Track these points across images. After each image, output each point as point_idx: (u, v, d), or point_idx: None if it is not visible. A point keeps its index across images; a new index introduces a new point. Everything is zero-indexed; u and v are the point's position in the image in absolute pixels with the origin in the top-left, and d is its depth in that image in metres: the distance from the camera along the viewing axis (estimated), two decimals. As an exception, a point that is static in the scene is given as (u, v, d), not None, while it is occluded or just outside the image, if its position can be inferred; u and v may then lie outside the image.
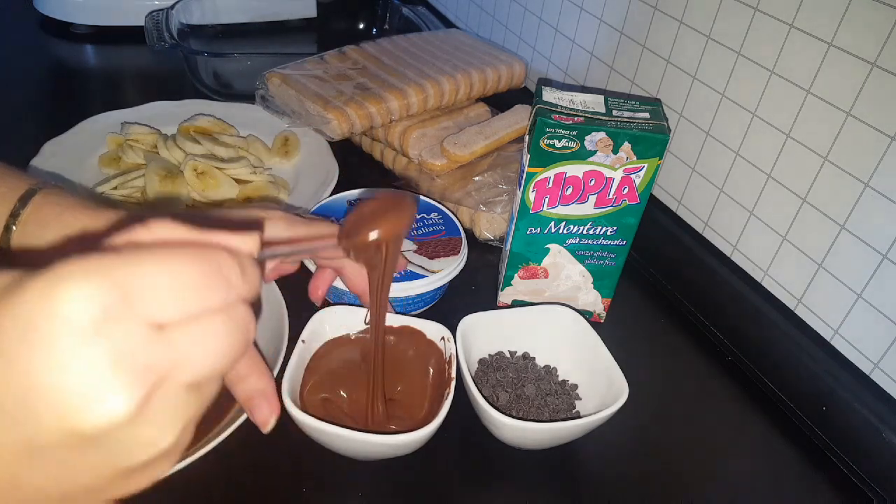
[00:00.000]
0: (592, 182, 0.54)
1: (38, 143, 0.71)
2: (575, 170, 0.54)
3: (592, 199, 0.55)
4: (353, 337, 0.52)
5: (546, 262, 0.60)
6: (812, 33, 0.50)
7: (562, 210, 0.56)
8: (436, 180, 0.73)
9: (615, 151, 0.52)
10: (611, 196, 0.55)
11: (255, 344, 0.43)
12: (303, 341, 0.49)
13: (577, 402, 0.52)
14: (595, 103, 0.55)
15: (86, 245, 0.22)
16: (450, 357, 0.50)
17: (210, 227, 0.26)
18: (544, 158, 0.53)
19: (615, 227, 0.57)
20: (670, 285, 0.68)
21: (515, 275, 0.61)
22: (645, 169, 0.53)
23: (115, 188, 0.67)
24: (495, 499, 0.48)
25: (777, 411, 0.57)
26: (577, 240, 0.58)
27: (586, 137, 0.52)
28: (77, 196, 0.41)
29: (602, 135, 0.52)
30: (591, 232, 0.57)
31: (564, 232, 0.57)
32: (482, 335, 0.54)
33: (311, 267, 0.54)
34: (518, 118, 0.78)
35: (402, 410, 0.49)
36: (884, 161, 0.47)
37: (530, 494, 0.48)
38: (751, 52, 0.56)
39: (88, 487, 0.23)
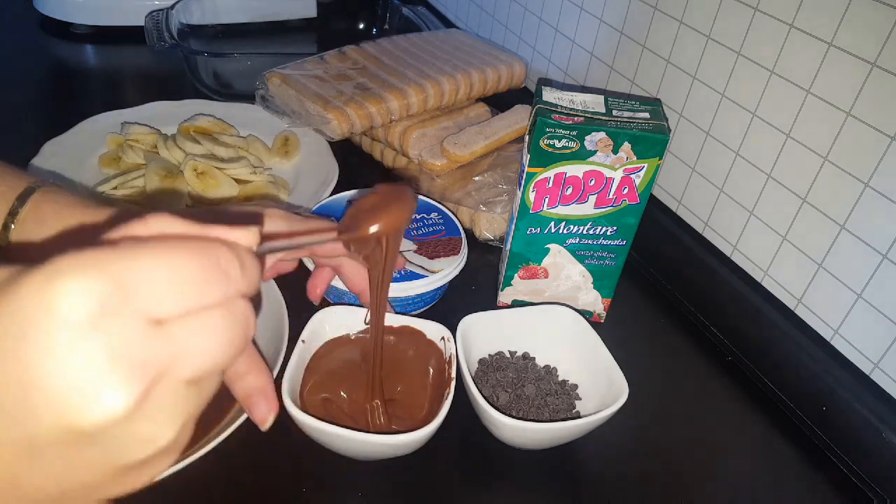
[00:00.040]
0: (592, 182, 0.54)
1: (38, 143, 0.71)
2: (575, 170, 0.54)
3: (592, 199, 0.55)
4: (353, 337, 0.52)
5: (546, 262, 0.60)
6: (812, 33, 0.50)
7: (562, 210, 0.56)
8: (436, 180, 0.73)
9: (615, 151, 0.52)
10: (611, 196, 0.55)
11: (254, 342, 0.43)
12: (303, 341, 0.49)
13: (577, 402, 0.52)
14: (595, 103, 0.55)
15: (83, 240, 0.22)
16: (450, 357, 0.50)
17: (208, 222, 0.25)
18: (544, 158, 0.53)
19: (615, 227, 0.57)
20: (670, 285, 0.68)
21: (515, 275, 0.61)
22: (645, 169, 0.53)
23: (115, 188, 0.67)
24: (495, 499, 0.48)
25: (777, 411, 0.57)
26: (577, 240, 0.58)
27: (586, 137, 0.52)
28: (75, 194, 0.41)
29: (602, 135, 0.52)
30: (591, 232, 0.57)
31: (564, 232, 0.57)
32: (482, 335, 0.54)
33: (311, 266, 0.54)
34: (518, 118, 0.78)
35: (402, 410, 0.49)
36: (884, 161, 0.47)
37: (530, 494, 0.48)
38: (751, 52, 0.56)
39: (88, 485, 0.23)
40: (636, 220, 0.56)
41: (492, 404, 0.46)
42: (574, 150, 0.52)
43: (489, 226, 0.69)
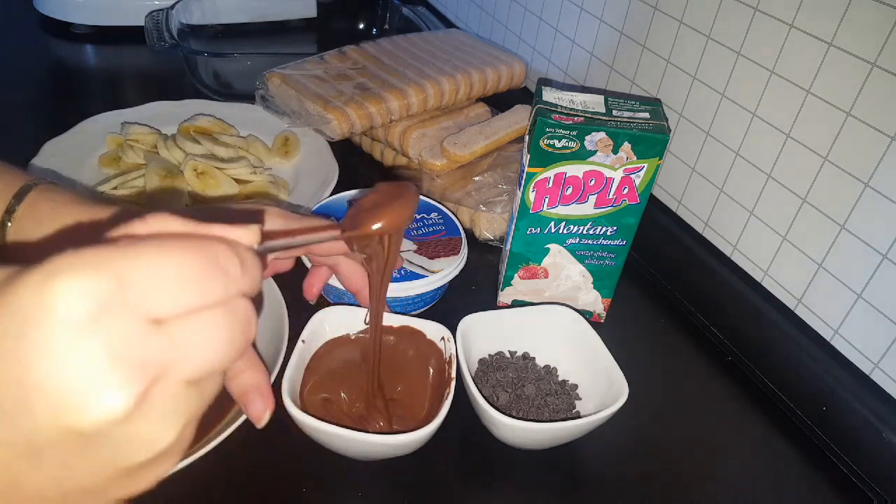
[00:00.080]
0: (592, 182, 0.54)
1: (38, 143, 0.71)
2: (575, 170, 0.54)
3: (592, 199, 0.55)
4: (353, 337, 0.52)
5: (546, 262, 0.60)
6: (812, 33, 0.50)
7: (562, 210, 0.56)
8: (436, 180, 0.73)
9: (615, 151, 0.52)
10: (611, 196, 0.55)
11: (253, 342, 0.43)
12: (303, 341, 0.49)
13: (577, 402, 0.52)
14: (595, 103, 0.55)
15: (81, 238, 0.22)
16: (450, 357, 0.50)
17: (208, 220, 0.25)
18: (544, 158, 0.53)
19: (615, 227, 0.57)
20: (670, 285, 0.68)
21: (515, 275, 0.61)
22: (645, 169, 0.53)
23: (115, 188, 0.67)
24: (495, 499, 0.48)
25: (777, 411, 0.57)
26: (577, 240, 0.58)
27: (586, 137, 0.52)
28: (73, 192, 0.41)
29: (602, 135, 0.52)
30: (591, 232, 0.57)
31: (564, 232, 0.57)
32: (482, 335, 0.54)
33: (308, 264, 0.54)
34: (518, 118, 0.78)
35: (402, 410, 0.49)
36: (884, 161, 0.47)
37: (530, 494, 0.48)
38: (751, 52, 0.56)
39: (89, 488, 0.22)
40: (636, 220, 0.56)
41: (492, 404, 0.46)
42: (574, 150, 0.52)
43: (489, 226, 0.69)
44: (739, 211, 0.60)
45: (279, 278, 0.51)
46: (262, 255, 0.27)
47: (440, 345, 0.51)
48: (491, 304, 0.64)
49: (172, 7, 0.96)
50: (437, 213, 0.65)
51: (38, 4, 1.05)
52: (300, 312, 0.51)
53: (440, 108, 0.81)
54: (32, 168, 0.68)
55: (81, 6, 1.03)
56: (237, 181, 0.70)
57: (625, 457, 0.52)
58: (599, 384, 0.51)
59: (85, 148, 0.73)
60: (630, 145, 0.52)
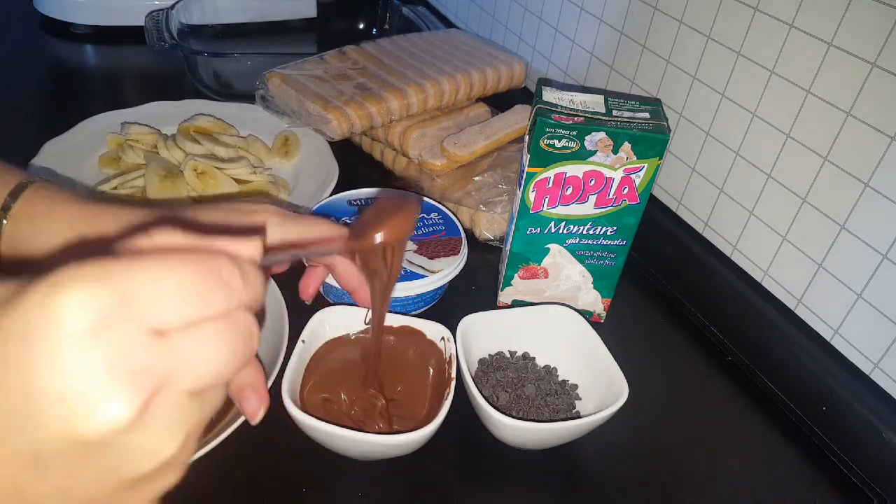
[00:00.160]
0: (592, 182, 0.54)
1: (38, 143, 0.71)
2: (575, 170, 0.54)
3: (592, 199, 0.55)
4: (353, 337, 0.52)
5: (546, 262, 0.60)
6: (812, 33, 0.50)
7: (562, 210, 0.56)
8: (436, 180, 0.73)
9: (615, 151, 0.52)
10: (611, 196, 0.55)
11: None
12: (303, 341, 0.49)
13: (577, 402, 0.52)
14: (595, 103, 0.55)
15: (85, 250, 0.22)
16: (450, 357, 0.50)
17: (211, 233, 0.25)
18: (544, 158, 0.53)
19: (615, 227, 0.57)
20: (670, 285, 0.68)
21: (515, 275, 0.61)
22: (645, 169, 0.53)
23: (115, 188, 0.67)
24: (495, 499, 0.48)
25: (777, 411, 0.57)
26: (577, 240, 0.58)
27: (586, 137, 0.52)
28: (69, 190, 0.41)
29: (602, 135, 0.52)
30: (591, 232, 0.57)
31: (564, 232, 0.57)
32: (482, 335, 0.54)
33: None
34: (518, 118, 0.78)
35: (402, 410, 0.49)
36: (884, 161, 0.47)
37: (530, 494, 0.48)
38: (751, 52, 0.56)
39: (94, 499, 0.23)
40: (636, 220, 0.56)
41: (492, 404, 0.46)
42: (574, 150, 0.52)
43: (489, 226, 0.69)
44: (739, 211, 0.60)
45: (279, 278, 0.51)
46: (264, 268, 0.27)
47: (440, 345, 0.51)
48: (491, 304, 0.64)
49: (172, 7, 0.96)
50: (437, 213, 0.65)
51: (38, 4, 1.05)
52: (300, 312, 0.51)
53: (440, 108, 0.81)
54: (32, 168, 0.68)
55: (81, 6, 1.03)
56: (237, 181, 0.70)
57: (625, 457, 0.52)
58: (599, 384, 0.51)
59: (85, 148, 0.74)
60: (630, 145, 0.52)
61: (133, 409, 0.21)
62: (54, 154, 0.71)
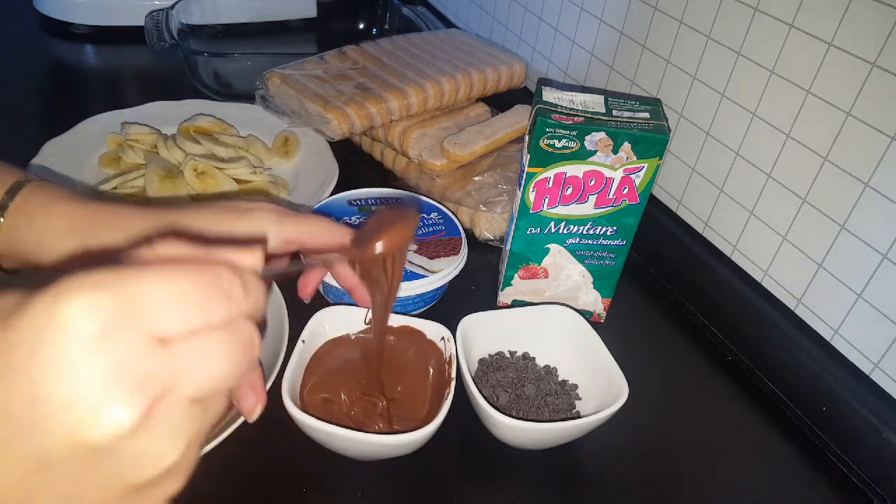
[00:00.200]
0: (592, 182, 0.54)
1: (38, 143, 0.71)
2: (575, 170, 0.54)
3: (592, 199, 0.55)
4: (353, 337, 0.52)
5: (546, 262, 0.60)
6: (812, 33, 0.50)
7: (562, 210, 0.56)
8: (436, 180, 0.73)
9: (615, 151, 0.52)
10: (611, 196, 0.55)
11: None
12: (303, 341, 0.49)
13: (577, 402, 0.52)
14: (595, 103, 0.55)
15: (90, 260, 0.23)
16: (450, 357, 0.50)
17: (213, 244, 0.26)
18: (544, 158, 0.53)
19: (615, 227, 0.57)
20: (670, 285, 0.68)
21: (515, 275, 0.61)
22: (645, 169, 0.53)
23: (115, 188, 0.67)
24: (495, 499, 0.48)
25: (777, 411, 0.57)
26: (577, 240, 0.58)
27: (586, 137, 0.52)
28: (66, 189, 0.42)
29: (602, 135, 0.52)
30: (591, 232, 0.57)
31: (564, 232, 0.57)
32: (482, 335, 0.54)
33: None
34: (518, 118, 0.78)
35: (402, 410, 0.49)
36: (884, 161, 0.47)
37: (530, 494, 0.48)
38: (751, 52, 0.56)
39: None
40: (636, 220, 0.56)
41: (492, 404, 0.46)
42: (574, 150, 0.52)
43: (489, 226, 0.69)
44: (739, 211, 0.60)
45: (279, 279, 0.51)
46: (266, 279, 0.28)
47: (440, 345, 0.51)
48: (491, 304, 0.64)
49: (172, 7, 0.96)
50: (437, 213, 0.65)
51: (38, 4, 1.05)
52: (300, 312, 0.51)
53: (440, 108, 0.81)
54: (32, 168, 0.68)
55: (81, 6, 1.03)
56: (237, 181, 0.70)
57: (625, 457, 0.52)
58: (599, 384, 0.51)
59: (85, 148, 0.73)
60: (630, 145, 0.52)
61: (136, 415, 0.21)
62: (54, 154, 0.71)
